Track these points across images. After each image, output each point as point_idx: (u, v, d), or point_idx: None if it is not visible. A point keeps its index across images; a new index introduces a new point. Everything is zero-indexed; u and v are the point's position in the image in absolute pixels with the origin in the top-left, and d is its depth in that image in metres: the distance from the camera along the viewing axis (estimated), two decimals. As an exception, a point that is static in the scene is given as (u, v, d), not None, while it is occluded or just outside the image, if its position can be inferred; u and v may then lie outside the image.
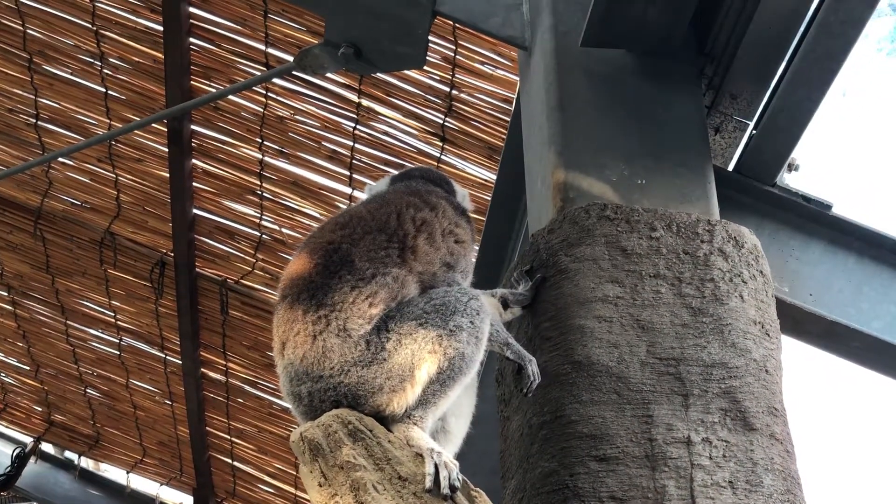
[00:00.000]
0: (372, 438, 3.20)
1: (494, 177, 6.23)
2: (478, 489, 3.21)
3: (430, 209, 3.79)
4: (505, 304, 3.99)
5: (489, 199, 6.22)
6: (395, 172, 4.47)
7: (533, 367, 3.67)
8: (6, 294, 9.21)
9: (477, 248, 6.15)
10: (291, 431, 8.70)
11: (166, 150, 7.55)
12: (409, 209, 3.74)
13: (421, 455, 3.19)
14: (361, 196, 6.88)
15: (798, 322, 4.77)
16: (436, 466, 3.12)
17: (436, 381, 3.34)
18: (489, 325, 3.55)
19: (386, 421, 3.33)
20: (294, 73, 6.12)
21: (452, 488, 3.10)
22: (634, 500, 3.50)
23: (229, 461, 9.63)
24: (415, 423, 3.33)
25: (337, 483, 3.14)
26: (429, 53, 4.78)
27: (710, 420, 3.64)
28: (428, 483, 3.09)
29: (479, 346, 3.45)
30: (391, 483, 3.12)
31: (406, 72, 6.45)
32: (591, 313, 3.81)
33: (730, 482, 3.55)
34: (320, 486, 3.18)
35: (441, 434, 3.62)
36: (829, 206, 4.91)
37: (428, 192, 3.93)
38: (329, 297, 3.41)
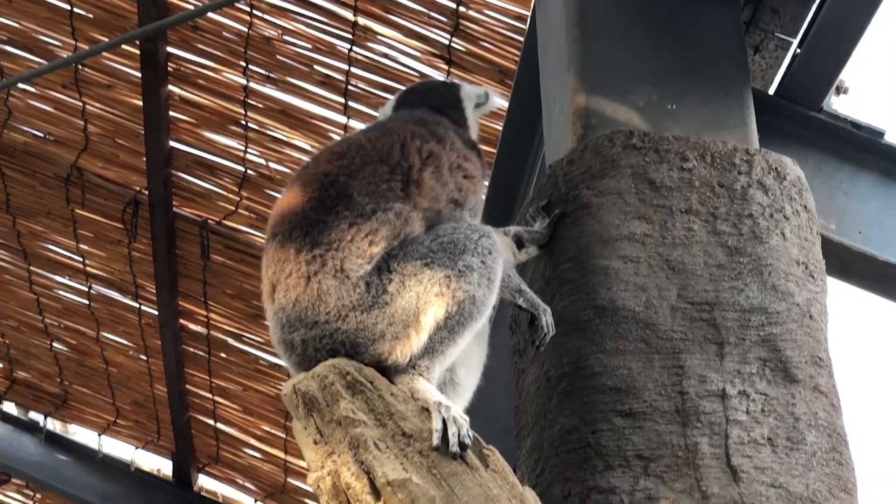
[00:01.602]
0: (373, 391, 3.23)
1: (506, 103, 6.22)
2: (490, 447, 3.24)
3: (438, 141, 3.81)
4: (519, 244, 4.02)
5: (500, 127, 6.22)
6: (399, 93, 4.48)
7: (547, 318, 3.70)
8: (-39, 237, 9.23)
9: (487, 183, 6.16)
10: (279, 389, 8.72)
11: (139, 75, 7.52)
12: (415, 140, 3.75)
13: (427, 409, 3.22)
14: (357, 125, 6.90)
15: (846, 263, 4.79)
16: (443, 422, 3.16)
17: (443, 328, 3.37)
18: (502, 266, 3.58)
19: (388, 372, 3.36)
20: (282, -13, 6.12)
21: (462, 446, 3.13)
22: (663, 458, 3.54)
23: (212, 423, 9.67)
24: (420, 374, 3.36)
25: (334, 440, 3.18)
26: (433, -36, 4.77)
27: (747, 371, 3.67)
28: (435, 440, 3.13)
29: (491, 289, 3.48)
30: (394, 440, 3.16)
31: (408, -14, 6.45)
32: (615, 253, 3.84)
33: (769, 439, 3.59)
34: (315, 443, 3.22)
35: (449, 387, 3.66)
36: (881, 134, 4.92)
37: (435, 122, 3.95)
38: (325, 234, 3.44)
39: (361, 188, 3.55)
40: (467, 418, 3.21)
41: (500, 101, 4.37)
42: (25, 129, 8.26)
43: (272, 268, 3.53)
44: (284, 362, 3.57)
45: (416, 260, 3.41)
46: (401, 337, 3.34)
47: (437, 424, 3.15)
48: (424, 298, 3.36)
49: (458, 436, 3.14)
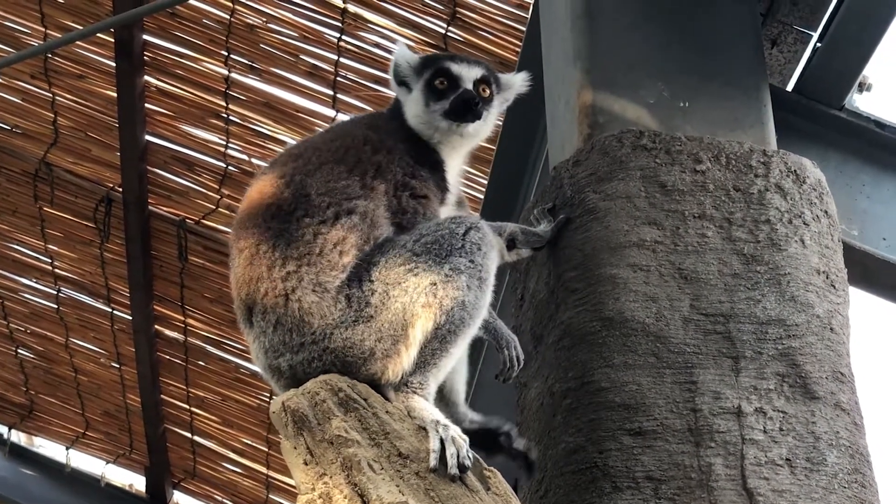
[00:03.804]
0: (367, 409, 3.25)
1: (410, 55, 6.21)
2: (491, 469, 3.26)
3: (387, 152, 3.76)
4: (511, 244, 3.99)
5: (500, 124, 6.22)
6: None
7: (510, 352, 3.68)
8: (-79, 237, 9.22)
9: (485, 188, 6.17)
10: (261, 400, 8.66)
11: (113, 64, 7.52)
12: (366, 146, 3.74)
13: (424, 428, 3.23)
14: (346, 119, 6.89)
15: (869, 271, 4.81)
16: (441, 442, 3.18)
17: (434, 339, 3.38)
18: (496, 259, 3.57)
19: (383, 388, 3.37)
20: (267, -28, 6.12)
21: (462, 468, 3.15)
22: (675, 480, 3.56)
23: (188, 435, 9.67)
24: (415, 392, 3.37)
25: (325, 461, 3.19)
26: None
27: (764, 387, 3.69)
28: (432, 461, 3.15)
29: (483, 288, 3.47)
30: (390, 461, 3.17)
31: (401, -29, 6.47)
32: (624, 261, 3.85)
33: (787, 460, 3.61)
34: (306, 464, 3.23)
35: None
36: (907, 134, 4.94)
37: (389, 129, 3.90)
38: (292, 247, 3.46)
39: (318, 186, 3.56)
40: (467, 438, 3.22)
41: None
42: (-9, 121, 8.26)
43: (245, 288, 3.53)
44: (273, 387, 3.57)
45: (398, 266, 3.41)
46: (391, 354, 3.35)
47: (434, 445, 3.17)
48: (411, 310, 3.36)
49: (458, 457, 3.15)
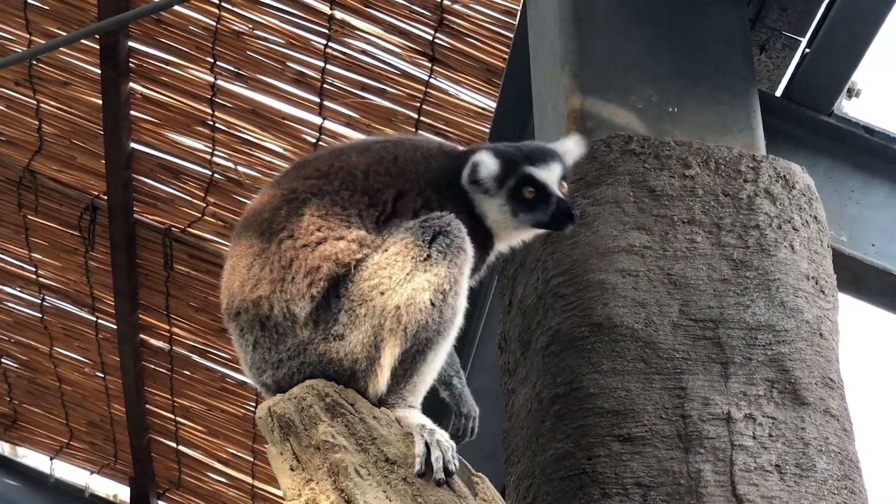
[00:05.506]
0: (354, 414, 3.23)
1: (494, 104, 6.22)
2: (480, 475, 3.25)
3: (439, 216, 3.51)
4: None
5: (488, 130, 6.22)
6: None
7: (470, 423, 3.64)
8: None
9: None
10: (246, 410, 8.62)
11: (98, 71, 7.51)
12: (418, 198, 3.57)
13: (411, 433, 3.21)
14: (332, 126, 6.90)
15: (858, 277, 4.81)
16: (426, 446, 3.15)
17: (404, 361, 3.33)
18: (468, 262, 3.41)
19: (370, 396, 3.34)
20: (254, -23, 6.11)
21: (447, 472, 3.13)
22: (664, 486, 3.55)
23: (173, 445, 9.66)
24: (398, 403, 3.35)
25: (312, 466, 3.17)
26: (417, -45, 4.78)
27: (753, 393, 3.68)
28: (418, 465, 3.13)
29: (448, 301, 3.36)
30: (377, 466, 3.15)
31: (389, -23, 6.46)
32: (613, 266, 3.84)
33: (777, 466, 3.60)
34: (292, 469, 3.21)
35: None
36: None
37: (451, 197, 3.61)
38: (266, 268, 3.41)
39: (319, 208, 3.45)
40: (454, 444, 3.19)
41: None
42: (-26, 129, 8.24)
43: (225, 299, 3.52)
44: (266, 397, 3.54)
45: (365, 281, 3.34)
46: (369, 374, 3.30)
47: (419, 449, 3.15)
48: (380, 336, 3.30)
49: (443, 461, 3.13)
